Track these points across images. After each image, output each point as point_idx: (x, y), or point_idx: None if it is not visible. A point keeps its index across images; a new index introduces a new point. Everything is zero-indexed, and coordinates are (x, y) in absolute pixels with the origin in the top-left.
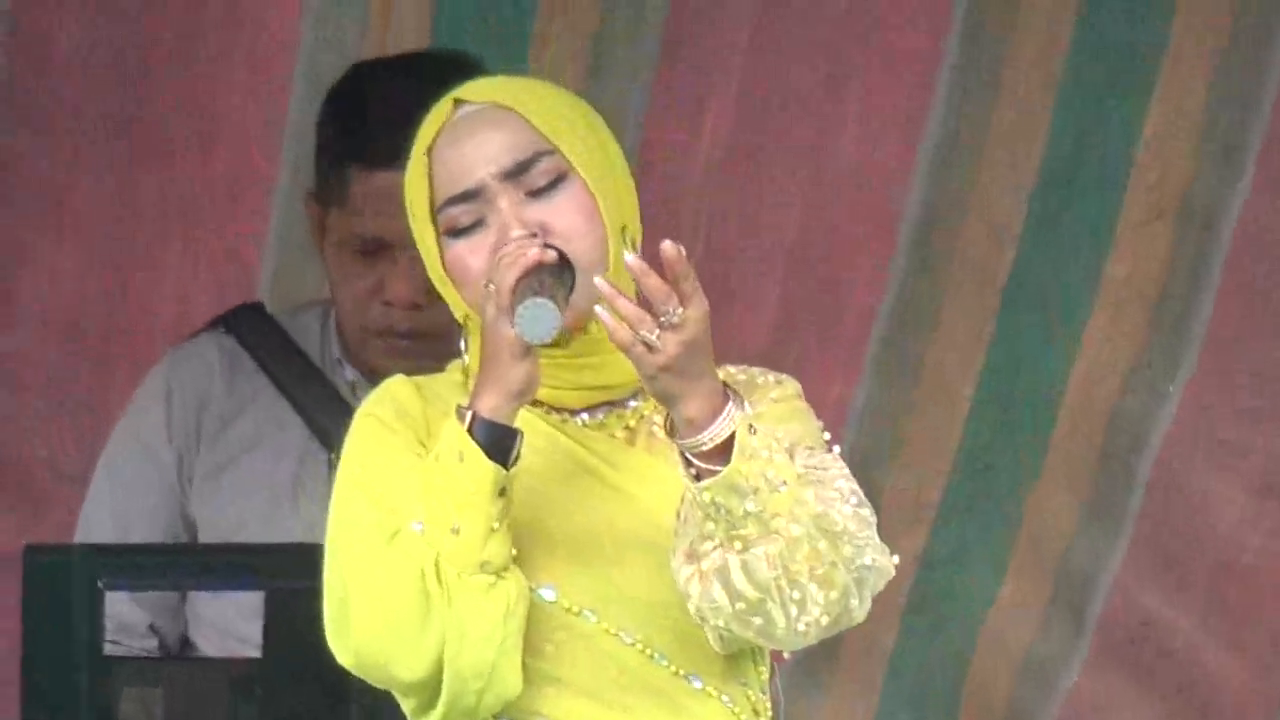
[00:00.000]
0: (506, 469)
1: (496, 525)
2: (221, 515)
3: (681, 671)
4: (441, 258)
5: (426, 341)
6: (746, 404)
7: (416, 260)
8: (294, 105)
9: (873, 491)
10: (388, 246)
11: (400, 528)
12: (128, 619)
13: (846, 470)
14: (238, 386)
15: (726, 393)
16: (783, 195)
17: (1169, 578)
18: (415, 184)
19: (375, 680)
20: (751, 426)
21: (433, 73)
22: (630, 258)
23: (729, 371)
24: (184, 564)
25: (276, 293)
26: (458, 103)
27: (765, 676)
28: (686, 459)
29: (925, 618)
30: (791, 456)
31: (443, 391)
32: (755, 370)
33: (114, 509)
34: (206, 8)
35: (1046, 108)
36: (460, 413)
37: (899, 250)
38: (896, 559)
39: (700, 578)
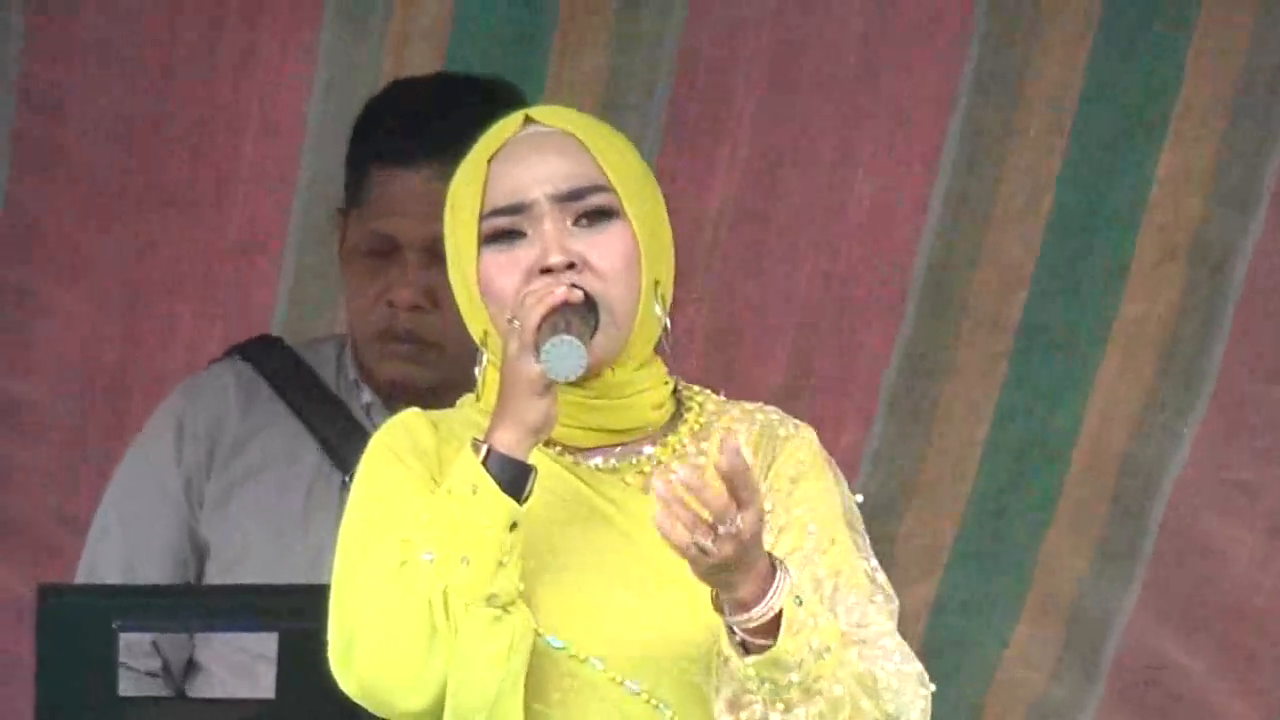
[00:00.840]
0: (520, 504)
1: (506, 559)
2: (233, 536)
3: None
4: (475, 268)
5: (425, 348)
6: (792, 571)
7: (423, 263)
8: (306, 154)
9: (885, 537)
10: (398, 248)
11: (409, 557)
12: (130, 637)
13: (891, 624)
14: (253, 411)
15: (774, 566)
16: (794, 240)
17: (1181, 620)
18: (468, 189)
19: (378, 710)
20: (798, 598)
21: (465, 89)
22: (684, 471)
23: (745, 409)
24: (200, 605)
25: (289, 339)
26: (528, 120)
27: None
28: (731, 630)
29: (938, 663)
30: (834, 611)
31: (457, 428)
32: (773, 414)
33: (122, 535)
34: (220, 60)
35: (1059, 148)
36: (476, 445)
37: (911, 292)
38: (934, 687)
39: None
